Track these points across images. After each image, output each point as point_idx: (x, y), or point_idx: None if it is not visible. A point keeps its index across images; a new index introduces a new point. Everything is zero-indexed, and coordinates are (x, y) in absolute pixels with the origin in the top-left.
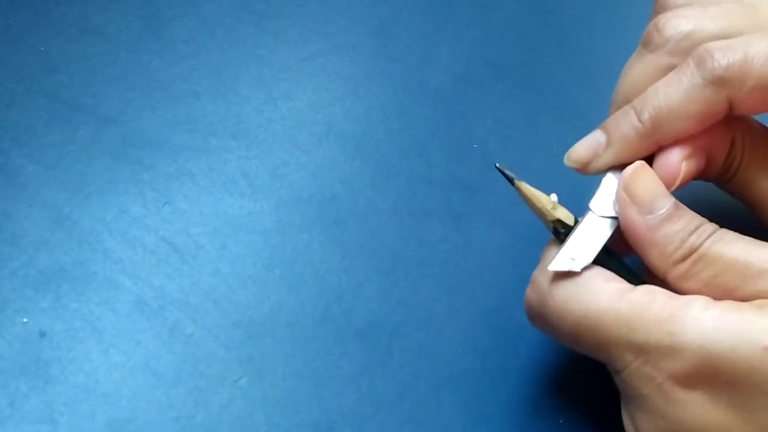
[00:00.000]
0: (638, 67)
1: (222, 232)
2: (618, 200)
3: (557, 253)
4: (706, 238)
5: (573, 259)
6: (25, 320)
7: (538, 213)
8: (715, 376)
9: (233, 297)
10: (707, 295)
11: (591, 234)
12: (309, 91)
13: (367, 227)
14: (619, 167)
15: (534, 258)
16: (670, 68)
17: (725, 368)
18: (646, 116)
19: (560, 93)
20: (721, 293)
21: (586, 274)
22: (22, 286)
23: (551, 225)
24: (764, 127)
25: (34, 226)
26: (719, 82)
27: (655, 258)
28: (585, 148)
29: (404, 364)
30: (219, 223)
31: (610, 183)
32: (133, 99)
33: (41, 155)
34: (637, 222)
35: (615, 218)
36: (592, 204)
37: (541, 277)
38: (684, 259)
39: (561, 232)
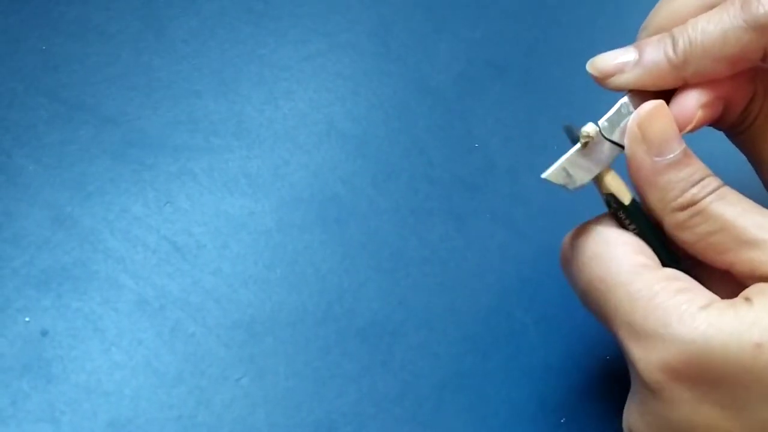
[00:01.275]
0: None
1: (223, 232)
2: (628, 135)
3: (555, 164)
4: (708, 193)
5: (569, 175)
6: (27, 319)
7: (601, 183)
8: (704, 373)
9: (234, 296)
10: (699, 249)
11: (593, 154)
12: (310, 91)
13: (368, 227)
14: (637, 94)
15: (534, 258)
16: (712, 5)
17: (715, 365)
18: (680, 47)
19: (560, 93)
20: (712, 252)
21: (622, 238)
22: (23, 285)
23: (604, 197)
24: None
25: (36, 226)
26: (761, 28)
27: (654, 201)
28: (612, 59)
29: (405, 363)
30: (220, 223)
31: (624, 108)
32: (133, 98)
33: (42, 155)
34: (644, 161)
35: (620, 146)
36: (601, 123)
37: (585, 228)
38: (682, 208)
39: (613, 207)
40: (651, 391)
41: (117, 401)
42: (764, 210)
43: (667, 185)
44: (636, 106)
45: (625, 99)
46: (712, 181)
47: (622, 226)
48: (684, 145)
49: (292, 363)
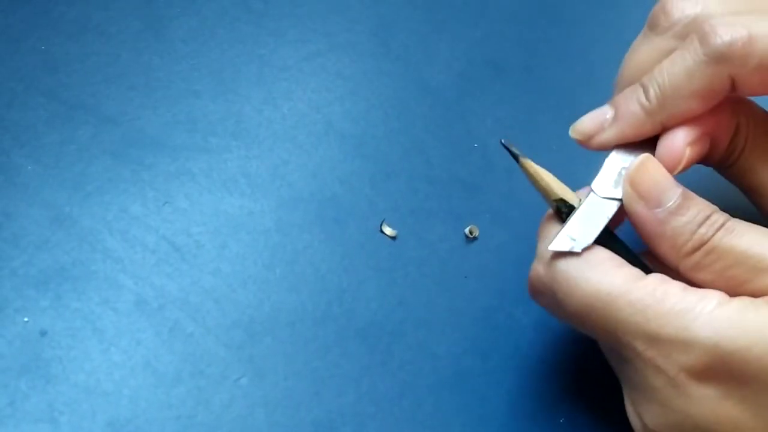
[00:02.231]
0: (643, 49)
1: (222, 232)
2: (624, 195)
3: (557, 232)
4: (717, 230)
5: (574, 240)
6: (25, 319)
7: (542, 192)
8: (727, 372)
9: (233, 296)
10: (719, 286)
11: (592, 215)
12: (309, 91)
13: (367, 227)
14: (623, 147)
15: (534, 258)
16: (673, 49)
17: (738, 366)
18: (651, 94)
19: (560, 93)
20: (732, 285)
21: (598, 255)
22: (22, 285)
23: (554, 204)
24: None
25: (35, 226)
26: (722, 58)
27: (666, 250)
28: (591, 120)
29: (404, 363)
30: (219, 223)
31: (613, 163)
32: (133, 98)
33: (41, 154)
34: (646, 216)
35: (617, 200)
36: (594, 184)
37: (556, 254)
38: (695, 251)
39: (564, 212)
40: (674, 390)
41: (116, 401)
42: None
43: (674, 232)
44: (624, 158)
45: (612, 154)
46: (718, 218)
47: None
48: (681, 189)
49: (292, 363)
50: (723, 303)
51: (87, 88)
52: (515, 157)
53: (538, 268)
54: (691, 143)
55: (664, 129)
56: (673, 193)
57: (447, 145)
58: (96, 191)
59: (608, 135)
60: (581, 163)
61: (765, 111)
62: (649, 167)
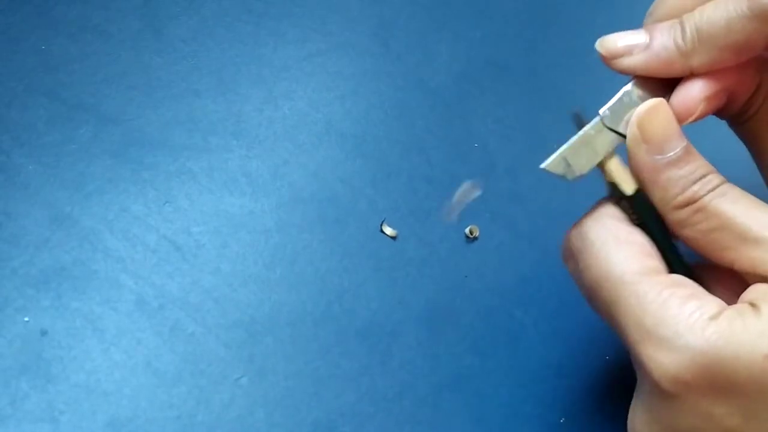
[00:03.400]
0: None
1: (223, 231)
2: (629, 134)
3: (555, 153)
4: (710, 191)
5: (569, 165)
6: (26, 319)
7: (607, 173)
8: (715, 383)
9: (234, 296)
10: (701, 246)
11: (594, 143)
12: (309, 91)
13: (367, 226)
14: (642, 81)
15: (534, 258)
16: None
17: (726, 376)
18: (689, 35)
19: (560, 92)
20: (714, 249)
21: (631, 237)
22: (22, 285)
23: (608, 185)
24: None
25: (35, 225)
26: (765, 17)
27: (657, 199)
28: (622, 39)
29: (404, 363)
30: (220, 222)
31: (627, 95)
32: (133, 98)
33: (41, 154)
34: (645, 161)
35: (622, 135)
36: (602, 112)
37: (589, 222)
38: (684, 206)
39: (616, 196)
40: (660, 397)
41: (116, 401)
42: (767, 207)
43: (668, 183)
44: (640, 95)
45: (628, 87)
46: (714, 179)
47: (625, 214)
48: (685, 142)
49: (292, 363)
50: (719, 314)
51: (87, 88)
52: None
53: (573, 232)
54: (708, 98)
55: (692, 74)
56: (677, 144)
57: (447, 144)
58: (96, 191)
59: (635, 61)
60: None
61: None
62: (660, 113)
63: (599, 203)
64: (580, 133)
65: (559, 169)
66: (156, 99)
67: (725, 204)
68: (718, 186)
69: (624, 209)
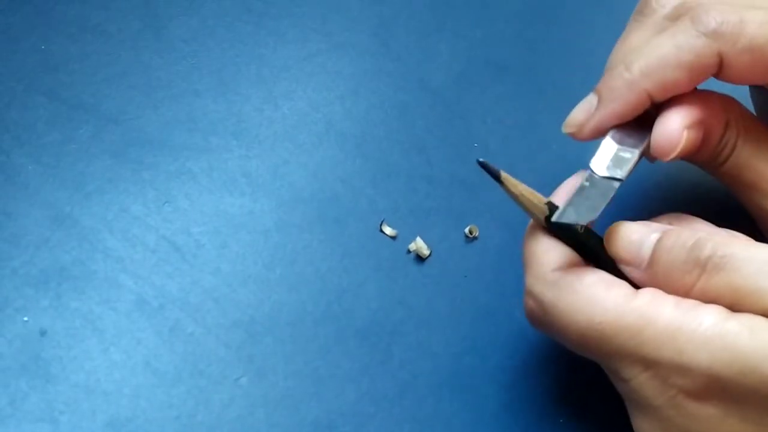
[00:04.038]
0: (634, 34)
1: (222, 231)
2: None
3: (561, 207)
4: (702, 271)
5: (578, 215)
6: (25, 319)
7: (527, 204)
8: (725, 393)
9: (234, 296)
10: (725, 303)
11: (593, 193)
12: (309, 90)
13: (367, 226)
14: (618, 132)
15: None
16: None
17: (735, 389)
18: (635, 66)
19: (560, 92)
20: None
21: (587, 279)
22: (22, 284)
23: (546, 208)
24: (756, 117)
25: (35, 225)
26: (712, 34)
27: (673, 292)
28: (579, 110)
29: (404, 363)
30: (219, 222)
31: (609, 146)
32: (133, 98)
33: (41, 154)
34: (637, 277)
35: (618, 180)
36: (592, 164)
37: (538, 287)
38: (691, 289)
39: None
40: (675, 410)
41: (116, 401)
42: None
43: (666, 280)
44: (620, 140)
45: (607, 137)
46: (701, 252)
47: (560, 237)
48: (653, 236)
49: (292, 363)
50: (718, 323)
51: (87, 88)
52: (495, 176)
53: (530, 304)
54: (689, 126)
55: (652, 100)
56: (646, 247)
57: (447, 144)
58: (96, 191)
59: (595, 118)
60: (582, 162)
61: (752, 114)
62: (613, 235)
63: (531, 253)
64: (579, 188)
65: (571, 219)
66: (156, 99)
67: (726, 276)
68: (710, 258)
69: (555, 232)
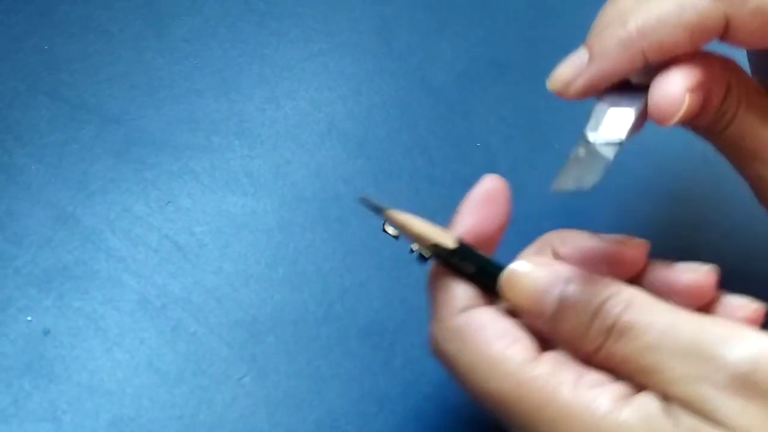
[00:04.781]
0: None
1: (225, 231)
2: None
3: (559, 174)
4: (609, 334)
5: (579, 179)
6: (28, 319)
7: (416, 238)
8: None
9: (236, 295)
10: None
11: (590, 160)
12: (311, 90)
13: (369, 226)
14: (610, 97)
15: None
16: None
17: None
18: (631, 24)
19: None
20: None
21: (490, 331)
22: (25, 284)
23: (432, 248)
24: (755, 81)
25: (37, 225)
26: None
27: (577, 353)
28: (567, 66)
29: (407, 362)
30: (222, 222)
31: (602, 110)
32: (135, 98)
33: (44, 154)
34: (539, 325)
35: (616, 144)
36: (586, 130)
37: (440, 333)
38: (596, 351)
39: (442, 256)
40: None
41: (119, 400)
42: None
43: (571, 335)
44: (613, 103)
45: (598, 104)
46: (608, 311)
47: (458, 270)
48: (557, 291)
49: (294, 362)
50: (613, 411)
51: (89, 88)
52: (380, 211)
53: (433, 347)
54: (692, 89)
55: (648, 62)
56: (551, 302)
57: (449, 144)
58: (99, 190)
59: (584, 77)
60: None
61: (753, 78)
62: (513, 281)
63: (439, 292)
64: (573, 155)
65: (570, 185)
66: (158, 99)
67: (632, 342)
68: (614, 324)
69: (453, 267)
